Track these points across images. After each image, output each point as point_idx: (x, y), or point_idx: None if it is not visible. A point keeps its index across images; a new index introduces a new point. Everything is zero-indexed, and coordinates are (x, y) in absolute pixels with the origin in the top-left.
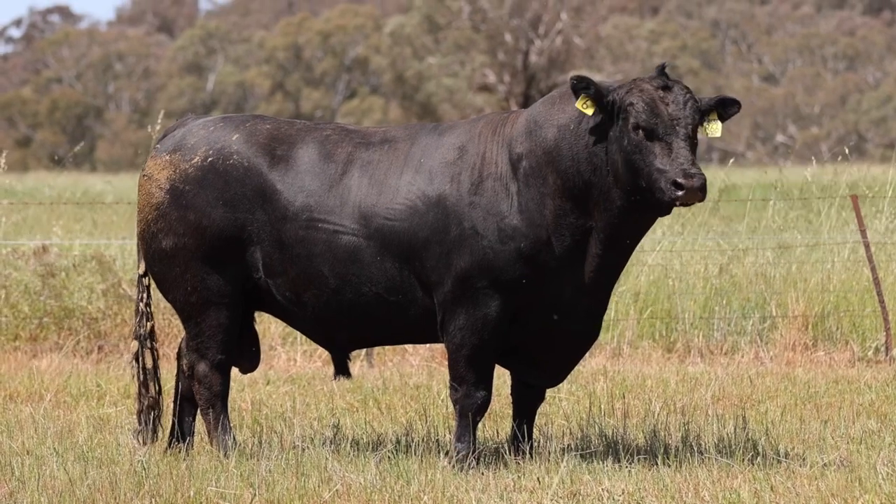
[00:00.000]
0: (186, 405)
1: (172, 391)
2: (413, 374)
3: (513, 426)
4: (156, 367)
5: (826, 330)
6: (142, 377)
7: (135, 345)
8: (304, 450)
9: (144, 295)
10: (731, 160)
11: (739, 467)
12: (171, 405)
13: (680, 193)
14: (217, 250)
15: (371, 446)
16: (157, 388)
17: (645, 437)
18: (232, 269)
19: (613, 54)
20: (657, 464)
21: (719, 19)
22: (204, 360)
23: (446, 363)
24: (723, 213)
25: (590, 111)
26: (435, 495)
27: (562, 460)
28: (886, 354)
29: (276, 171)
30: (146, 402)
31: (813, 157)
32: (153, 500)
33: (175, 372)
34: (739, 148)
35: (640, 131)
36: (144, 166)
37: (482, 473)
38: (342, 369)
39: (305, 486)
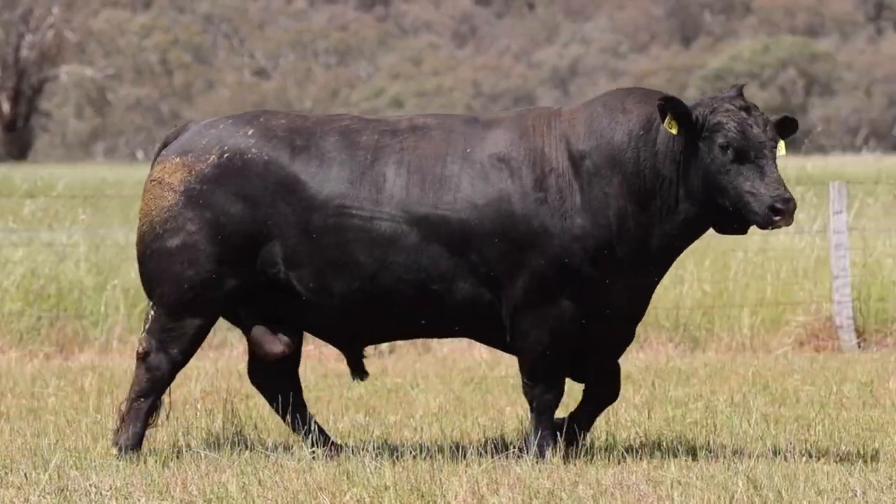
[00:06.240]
0: None
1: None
2: None
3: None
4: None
5: None
6: None
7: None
8: None
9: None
10: None
11: (228, 461)
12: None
13: (777, 218)
14: (232, 247)
15: None
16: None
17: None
18: (241, 269)
19: (105, 48)
20: (146, 459)
21: (212, 14)
22: (162, 353)
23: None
24: None
25: (674, 130)
26: None
27: (51, 455)
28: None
29: (298, 161)
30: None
31: None
32: None
33: None
34: None
35: (730, 151)
36: (151, 172)
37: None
38: (358, 368)
39: None
